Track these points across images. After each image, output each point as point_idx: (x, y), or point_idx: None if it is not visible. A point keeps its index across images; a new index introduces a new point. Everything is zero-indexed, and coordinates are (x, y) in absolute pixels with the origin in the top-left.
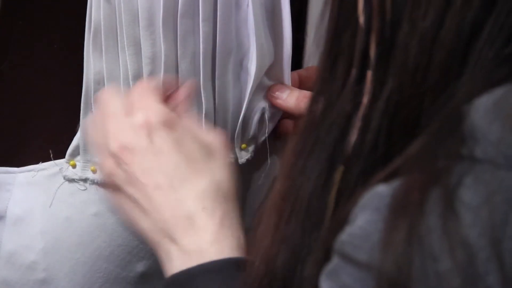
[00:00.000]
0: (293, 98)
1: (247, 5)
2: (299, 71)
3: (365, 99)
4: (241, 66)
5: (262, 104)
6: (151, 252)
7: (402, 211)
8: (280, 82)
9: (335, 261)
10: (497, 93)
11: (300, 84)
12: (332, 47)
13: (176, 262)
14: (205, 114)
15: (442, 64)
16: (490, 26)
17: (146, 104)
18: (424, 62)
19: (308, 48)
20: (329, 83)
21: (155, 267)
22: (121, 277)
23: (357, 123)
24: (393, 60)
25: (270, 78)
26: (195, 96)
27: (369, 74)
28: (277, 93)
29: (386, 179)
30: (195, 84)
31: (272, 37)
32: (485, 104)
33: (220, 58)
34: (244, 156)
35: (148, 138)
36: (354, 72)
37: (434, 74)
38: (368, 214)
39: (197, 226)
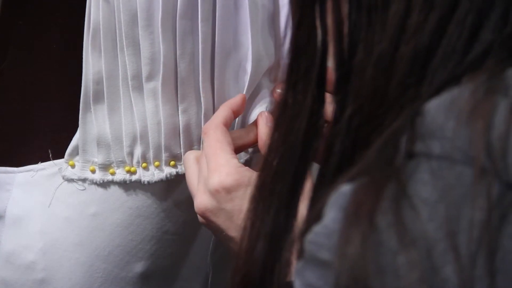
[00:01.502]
0: None
1: (246, 5)
2: None
3: (326, 122)
4: (240, 66)
5: (261, 105)
6: (150, 252)
7: (360, 209)
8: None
9: (302, 259)
10: (454, 91)
11: None
12: (291, 70)
13: None
14: (204, 114)
15: (399, 86)
16: (443, 49)
17: (220, 164)
18: (381, 84)
19: None
20: (289, 106)
21: (153, 267)
22: (120, 277)
23: (320, 147)
24: (352, 83)
25: (271, 79)
26: (194, 96)
27: (328, 97)
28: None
29: (352, 178)
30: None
31: (273, 39)
32: (443, 102)
33: (219, 58)
34: (243, 157)
35: (226, 200)
36: (310, 95)
37: (392, 96)
38: (333, 213)
39: None
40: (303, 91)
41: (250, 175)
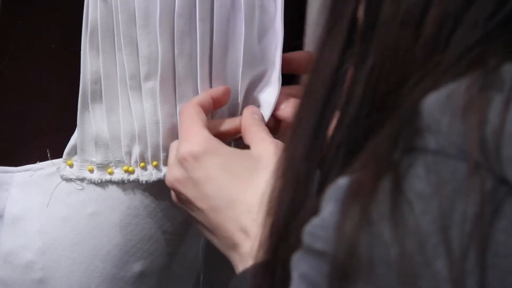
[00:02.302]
0: (289, 108)
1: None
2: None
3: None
4: (238, 66)
5: (254, 103)
6: (148, 252)
7: (354, 200)
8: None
9: (300, 250)
10: (451, 86)
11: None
12: (329, 15)
13: (239, 269)
14: None
15: (425, 48)
16: (467, 21)
17: (190, 134)
18: (406, 43)
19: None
20: (323, 53)
21: (152, 267)
22: (118, 277)
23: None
24: (376, 35)
25: (270, 79)
26: (192, 96)
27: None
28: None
29: (351, 172)
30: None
31: (273, 39)
32: (440, 97)
33: (217, 58)
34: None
35: (194, 168)
36: (341, 40)
37: (417, 56)
38: (330, 206)
39: (251, 235)
40: (337, 37)
41: (219, 145)
